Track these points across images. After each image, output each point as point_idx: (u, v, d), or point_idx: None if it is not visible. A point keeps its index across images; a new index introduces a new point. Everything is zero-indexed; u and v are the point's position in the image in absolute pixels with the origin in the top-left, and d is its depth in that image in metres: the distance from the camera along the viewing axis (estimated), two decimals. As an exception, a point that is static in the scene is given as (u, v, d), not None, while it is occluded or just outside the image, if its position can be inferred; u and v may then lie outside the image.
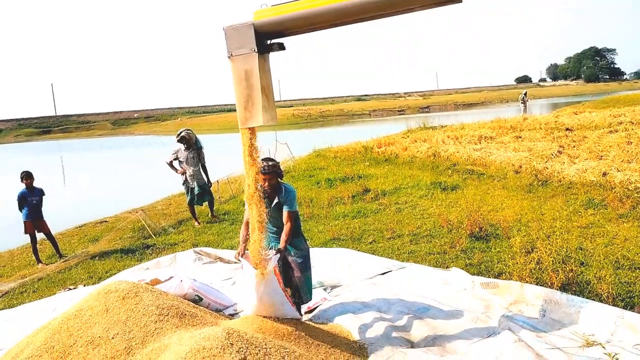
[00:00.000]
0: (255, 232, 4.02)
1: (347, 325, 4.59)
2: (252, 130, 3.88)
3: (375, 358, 3.99)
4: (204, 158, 9.43)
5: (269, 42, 3.75)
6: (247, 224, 4.41)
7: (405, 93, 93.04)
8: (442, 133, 18.03)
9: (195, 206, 9.53)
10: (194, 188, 9.27)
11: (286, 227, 4.38)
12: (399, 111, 68.81)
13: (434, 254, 6.42)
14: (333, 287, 5.72)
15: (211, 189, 9.72)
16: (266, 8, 3.63)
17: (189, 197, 9.38)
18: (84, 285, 6.57)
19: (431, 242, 6.89)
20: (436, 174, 11.26)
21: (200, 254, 7.06)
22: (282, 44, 3.76)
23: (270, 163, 4.35)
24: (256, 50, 3.61)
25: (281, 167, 4.59)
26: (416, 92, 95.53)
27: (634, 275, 5.04)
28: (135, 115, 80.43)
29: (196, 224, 9.34)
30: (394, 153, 14.62)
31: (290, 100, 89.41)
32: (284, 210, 4.40)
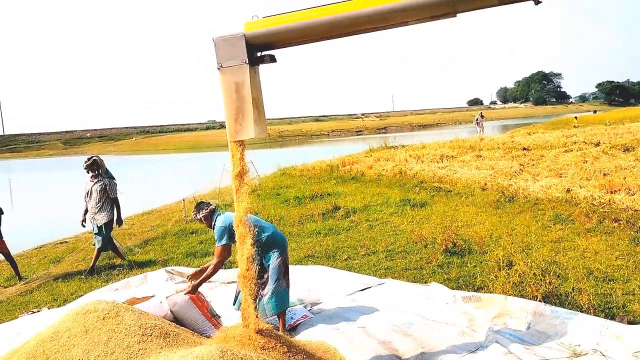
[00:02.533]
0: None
1: (332, 342, 4.49)
2: (242, 144, 3.78)
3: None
4: (114, 190, 7.82)
5: (259, 54, 3.69)
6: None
7: (362, 114, 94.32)
8: (404, 152, 18.29)
9: (113, 240, 8.04)
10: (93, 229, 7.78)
11: (210, 265, 4.84)
12: (356, 132, 69.73)
13: (410, 270, 6.42)
14: (313, 304, 5.62)
15: (120, 227, 8.24)
16: (257, 20, 3.58)
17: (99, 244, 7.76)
18: (49, 308, 6.21)
19: (406, 257, 6.89)
20: (404, 191, 11.36)
21: (172, 273, 6.83)
22: (273, 56, 3.70)
23: (197, 217, 4.89)
24: (247, 62, 3.54)
25: (204, 207, 4.89)
26: (373, 113, 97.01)
27: (609, 286, 5.17)
28: (88, 134, 78.31)
29: (120, 260, 8.08)
30: (360, 171, 14.71)
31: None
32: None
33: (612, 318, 4.47)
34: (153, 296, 4.93)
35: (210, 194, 13.73)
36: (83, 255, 8.65)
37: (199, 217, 4.87)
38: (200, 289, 5.02)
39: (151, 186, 22.49)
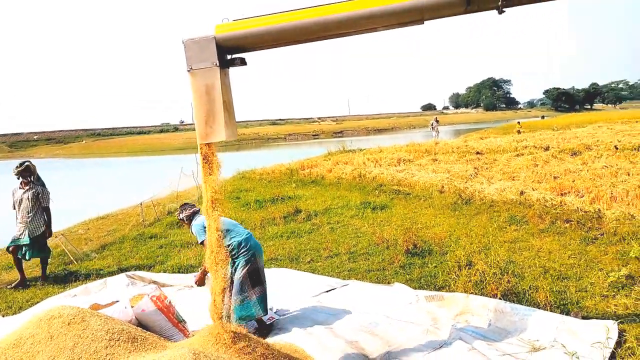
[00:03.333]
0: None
1: (301, 344, 4.54)
2: (210, 147, 3.78)
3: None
4: (46, 199, 7.32)
5: (229, 56, 3.70)
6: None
7: (318, 118, 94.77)
8: (362, 156, 18.52)
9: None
10: (20, 239, 7.16)
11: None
12: (313, 135, 69.96)
13: (373, 271, 6.52)
14: (277, 308, 5.64)
15: (48, 240, 7.60)
16: (228, 22, 3.59)
17: (10, 244, 7.23)
18: (3, 316, 5.98)
19: (369, 259, 7.00)
20: (364, 194, 11.51)
21: (133, 277, 6.70)
22: (243, 58, 3.71)
23: (180, 216, 5.09)
24: (218, 65, 3.54)
25: (188, 208, 5.09)
26: (329, 117, 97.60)
27: (563, 284, 5.42)
28: (35, 137, 75.43)
29: (18, 281, 7.23)
30: (320, 175, 14.80)
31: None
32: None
33: (568, 314, 4.69)
34: (117, 301, 4.82)
35: (168, 198, 13.51)
36: (36, 262, 8.34)
37: (181, 216, 5.07)
38: (166, 293, 4.97)
39: (104, 190, 21.91)
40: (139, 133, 78.82)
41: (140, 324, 4.69)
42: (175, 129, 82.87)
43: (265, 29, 3.51)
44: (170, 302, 5.03)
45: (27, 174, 7.24)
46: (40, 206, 7.24)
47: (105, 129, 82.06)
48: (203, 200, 3.88)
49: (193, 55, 3.58)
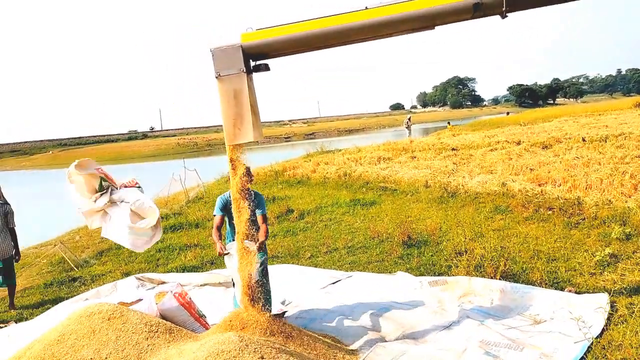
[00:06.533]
0: (241, 232, 4.22)
1: (319, 330, 4.84)
2: (239, 147, 4.08)
3: (360, 354, 4.28)
4: (12, 219, 6.67)
5: (254, 63, 4.00)
6: (217, 228, 4.83)
7: (289, 120, 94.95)
8: (341, 156, 18.88)
9: None
10: None
11: (262, 227, 4.77)
12: (285, 138, 70.12)
13: (373, 263, 6.87)
14: (289, 300, 5.91)
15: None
16: (253, 31, 3.89)
17: None
18: (16, 322, 6.10)
19: (367, 252, 7.34)
20: (352, 192, 11.87)
21: (142, 279, 6.89)
22: (267, 64, 4.02)
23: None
24: (245, 71, 3.84)
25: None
26: (300, 119, 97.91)
27: (553, 265, 5.87)
28: (-1, 149, 73.48)
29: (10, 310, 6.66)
30: (305, 175, 15.09)
31: (173, 130, 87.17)
32: (257, 213, 4.78)
33: (562, 290, 5.12)
34: (141, 299, 5.03)
35: (157, 202, 13.50)
36: (37, 270, 8.42)
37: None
38: (186, 289, 5.20)
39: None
40: (107, 141, 77.45)
41: (165, 319, 4.92)
42: (144, 135, 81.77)
43: (289, 37, 3.82)
44: (190, 299, 5.27)
45: None
46: (6, 226, 6.60)
47: (72, 138, 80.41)
48: (233, 196, 4.18)
49: (220, 63, 3.87)
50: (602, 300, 4.61)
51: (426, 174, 12.20)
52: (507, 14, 3.58)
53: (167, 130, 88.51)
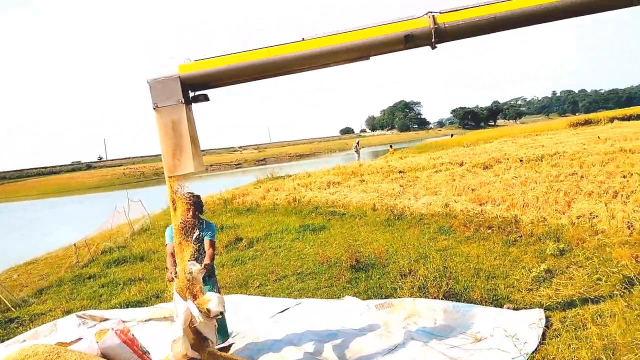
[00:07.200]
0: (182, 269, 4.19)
1: (267, 360, 4.82)
2: (178, 179, 4.06)
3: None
4: None
5: (193, 93, 4.03)
6: (171, 254, 4.69)
7: (240, 147, 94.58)
8: (291, 182, 18.94)
9: None
10: None
11: (209, 251, 4.86)
12: (236, 165, 69.77)
13: (322, 289, 6.90)
14: (236, 332, 5.85)
15: None
16: (190, 62, 3.93)
17: None
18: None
19: (316, 278, 7.37)
20: (301, 218, 11.91)
21: (84, 317, 6.64)
22: (206, 95, 4.06)
23: (194, 195, 4.91)
24: (183, 102, 3.86)
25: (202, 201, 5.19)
26: (251, 145, 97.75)
27: (493, 282, 6.08)
28: None
29: None
30: (254, 202, 15.03)
31: (119, 159, 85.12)
32: (205, 240, 4.89)
33: (501, 307, 5.31)
34: (80, 338, 4.86)
35: (100, 236, 13.17)
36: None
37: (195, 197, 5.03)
38: (128, 326, 5.06)
39: (22, 236, 20.85)
40: (50, 173, 74.73)
41: (106, 358, 4.77)
42: (88, 166, 79.39)
43: (227, 68, 3.89)
44: (133, 335, 5.13)
45: None
46: None
47: (12, 171, 77.10)
48: (173, 232, 4.15)
49: (158, 94, 3.88)
50: (536, 315, 4.81)
51: (374, 197, 12.40)
52: (437, 45, 3.77)
53: (112, 160, 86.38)
